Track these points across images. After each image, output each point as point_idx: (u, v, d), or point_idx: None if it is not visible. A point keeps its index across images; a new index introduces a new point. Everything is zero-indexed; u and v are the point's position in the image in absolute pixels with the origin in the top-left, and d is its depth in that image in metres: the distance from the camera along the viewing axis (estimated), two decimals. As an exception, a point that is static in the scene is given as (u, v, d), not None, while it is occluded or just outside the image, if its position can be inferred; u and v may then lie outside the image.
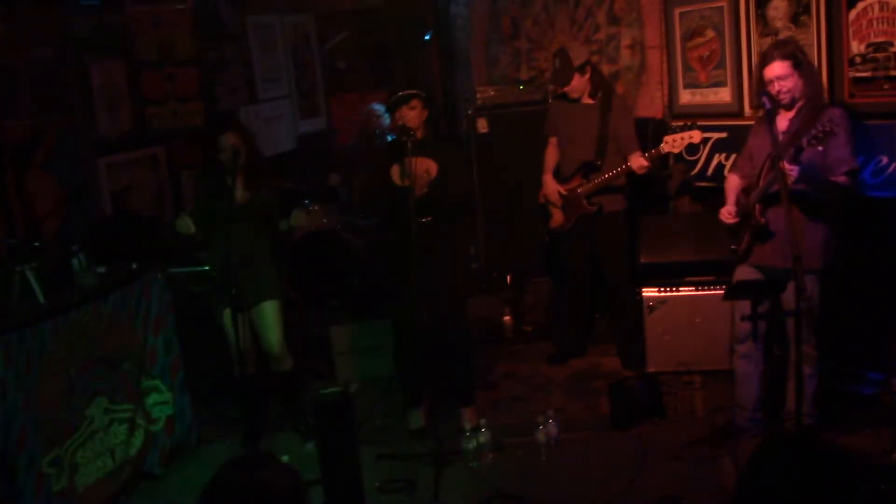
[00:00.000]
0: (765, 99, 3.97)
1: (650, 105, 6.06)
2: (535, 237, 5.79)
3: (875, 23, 4.53)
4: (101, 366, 4.24)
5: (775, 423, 4.31)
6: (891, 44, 4.48)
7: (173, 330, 4.72)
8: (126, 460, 4.36)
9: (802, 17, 4.87)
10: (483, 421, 4.53)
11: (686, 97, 5.77)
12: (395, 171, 4.55)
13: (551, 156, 5.40)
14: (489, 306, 6.22)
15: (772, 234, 4.04)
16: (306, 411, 4.73)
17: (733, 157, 5.11)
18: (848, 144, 3.96)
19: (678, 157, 5.73)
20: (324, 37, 7.92)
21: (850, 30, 4.62)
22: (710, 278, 4.98)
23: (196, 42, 6.37)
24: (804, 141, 3.70)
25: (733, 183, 4.29)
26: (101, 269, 4.47)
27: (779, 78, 3.93)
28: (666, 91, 5.95)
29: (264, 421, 4.90)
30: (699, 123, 4.80)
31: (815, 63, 4.79)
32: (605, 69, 6.26)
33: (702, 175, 5.63)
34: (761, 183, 4.03)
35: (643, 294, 5.17)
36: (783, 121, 4.05)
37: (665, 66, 5.90)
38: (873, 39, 4.54)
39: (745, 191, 4.19)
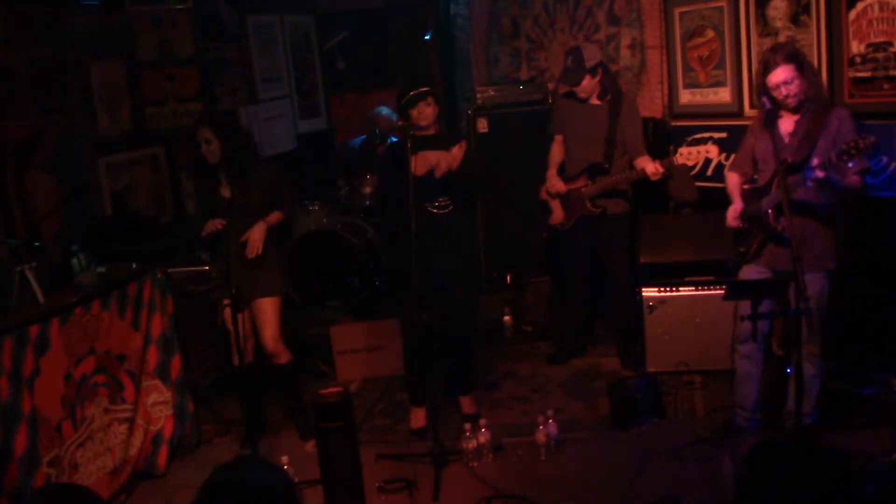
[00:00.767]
0: (764, 99, 3.95)
1: (650, 105, 6.06)
2: (535, 237, 5.79)
3: (875, 23, 4.53)
4: (101, 366, 4.24)
5: (775, 424, 4.31)
6: (891, 44, 4.48)
7: (173, 330, 4.73)
8: (126, 460, 4.36)
9: (802, 17, 4.87)
10: (483, 421, 4.53)
11: (686, 97, 5.78)
12: (414, 164, 4.56)
13: (556, 153, 5.37)
14: (489, 306, 6.22)
15: (788, 239, 4.03)
16: (306, 409, 4.75)
17: (732, 156, 5.11)
18: (854, 131, 3.94)
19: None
20: (324, 37, 7.92)
21: (850, 30, 4.62)
22: (710, 278, 4.98)
23: (196, 42, 6.38)
24: (833, 156, 3.67)
25: (734, 181, 4.28)
26: (101, 269, 4.48)
27: (784, 83, 3.89)
28: (666, 91, 5.95)
29: (263, 415, 4.90)
30: (696, 124, 4.80)
31: (816, 63, 4.80)
32: (606, 69, 6.27)
33: (702, 175, 5.63)
34: (774, 189, 4.02)
35: (643, 294, 5.16)
36: (788, 123, 4.03)
37: (665, 66, 5.90)
38: (873, 39, 4.54)
39: (752, 193, 4.17)
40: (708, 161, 4.83)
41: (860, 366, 4.73)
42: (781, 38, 4.99)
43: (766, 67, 3.96)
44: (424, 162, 4.47)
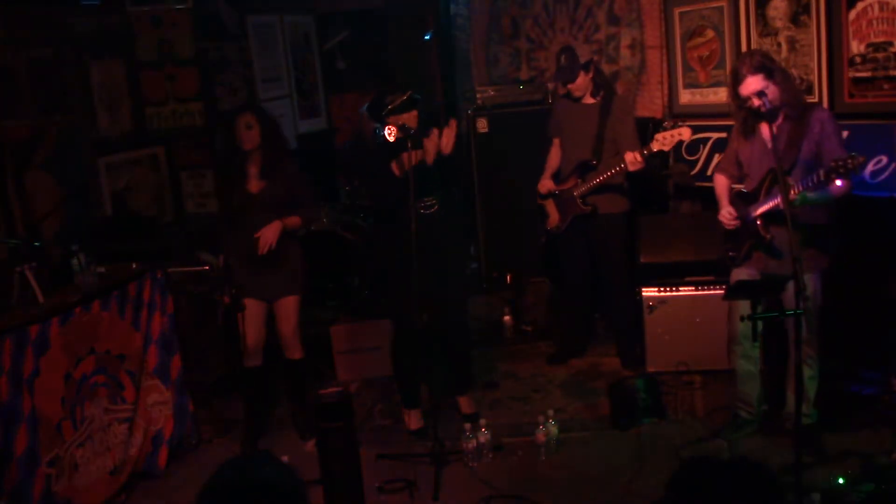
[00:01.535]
0: (760, 101, 3.95)
1: (650, 105, 6.06)
2: (535, 237, 5.79)
3: (875, 23, 4.53)
4: (101, 366, 4.24)
5: (777, 421, 4.31)
6: (890, 44, 4.48)
7: (173, 330, 4.73)
8: (126, 460, 4.36)
9: (802, 17, 4.87)
10: (483, 421, 4.53)
11: (686, 97, 5.78)
12: (394, 166, 4.54)
13: (554, 157, 5.38)
14: (489, 306, 6.22)
15: (777, 248, 4.04)
16: (307, 410, 4.75)
17: (717, 157, 5.13)
18: (841, 144, 3.95)
19: (678, 157, 5.74)
20: (324, 37, 7.92)
21: (850, 30, 4.62)
22: (710, 278, 4.98)
23: (196, 42, 6.37)
24: (822, 173, 3.67)
25: (722, 183, 4.30)
26: (101, 269, 4.48)
27: (756, 93, 3.89)
28: (666, 91, 5.95)
29: (265, 417, 4.90)
30: (696, 123, 4.81)
31: (815, 63, 4.80)
32: (605, 69, 6.26)
33: (702, 175, 5.64)
34: (762, 197, 4.03)
35: (643, 294, 5.16)
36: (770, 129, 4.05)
37: (665, 66, 5.90)
38: (873, 39, 4.54)
39: (740, 197, 4.18)
40: (681, 143, 4.83)
41: (860, 366, 4.73)
42: (781, 39, 4.99)
43: (736, 79, 3.96)
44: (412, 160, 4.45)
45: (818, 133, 3.90)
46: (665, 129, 4.69)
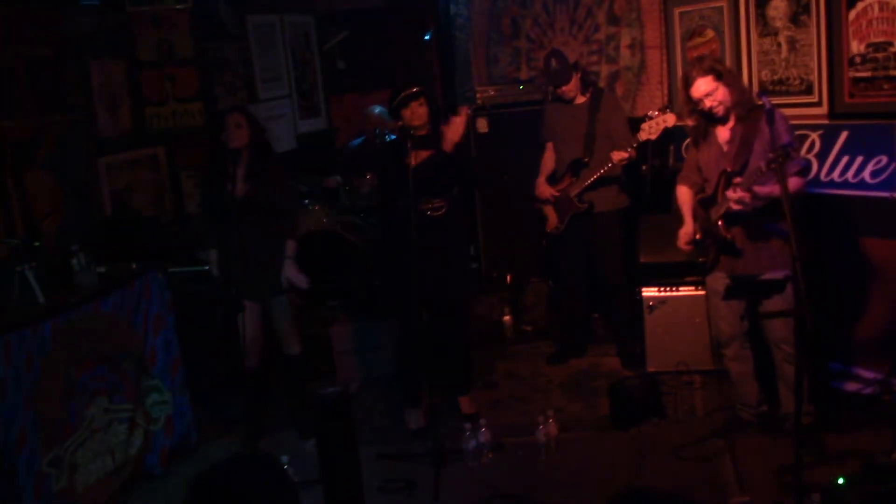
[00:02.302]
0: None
1: (650, 105, 6.05)
2: (535, 237, 5.79)
3: (875, 23, 4.53)
4: (101, 366, 4.24)
5: (777, 421, 4.31)
6: (890, 44, 4.48)
7: (173, 330, 4.72)
8: (126, 460, 4.36)
9: (802, 17, 4.87)
10: (483, 421, 4.53)
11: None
12: (412, 157, 4.55)
13: (548, 160, 5.42)
14: (489, 306, 6.22)
15: (739, 247, 4.07)
16: (307, 407, 4.75)
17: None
18: (788, 131, 3.92)
19: (678, 157, 5.73)
20: (324, 37, 7.92)
21: (850, 30, 4.62)
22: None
23: (196, 42, 6.37)
24: (763, 166, 3.70)
25: (685, 195, 4.34)
26: (101, 269, 4.48)
27: (707, 95, 3.97)
28: (666, 91, 5.95)
29: (265, 417, 4.90)
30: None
31: (815, 63, 4.80)
32: (605, 69, 6.28)
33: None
34: (720, 199, 4.05)
35: (643, 294, 5.17)
36: (724, 132, 4.10)
37: (665, 66, 5.90)
38: (873, 39, 4.54)
39: (701, 203, 4.21)
40: (666, 130, 4.86)
41: (860, 366, 4.74)
42: (781, 39, 4.99)
43: (686, 83, 4.04)
44: (419, 159, 4.46)
45: (769, 132, 3.92)
46: (650, 118, 4.75)
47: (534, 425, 4.44)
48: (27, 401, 3.76)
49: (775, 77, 5.04)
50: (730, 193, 3.86)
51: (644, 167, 5.69)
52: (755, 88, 5.13)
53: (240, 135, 4.53)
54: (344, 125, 7.93)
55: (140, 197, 6.12)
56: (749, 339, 4.31)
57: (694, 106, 4.05)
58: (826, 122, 4.80)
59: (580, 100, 5.23)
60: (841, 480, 3.61)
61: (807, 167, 4.11)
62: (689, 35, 5.63)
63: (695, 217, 4.26)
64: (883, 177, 4.56)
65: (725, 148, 4.08)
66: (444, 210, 4.57)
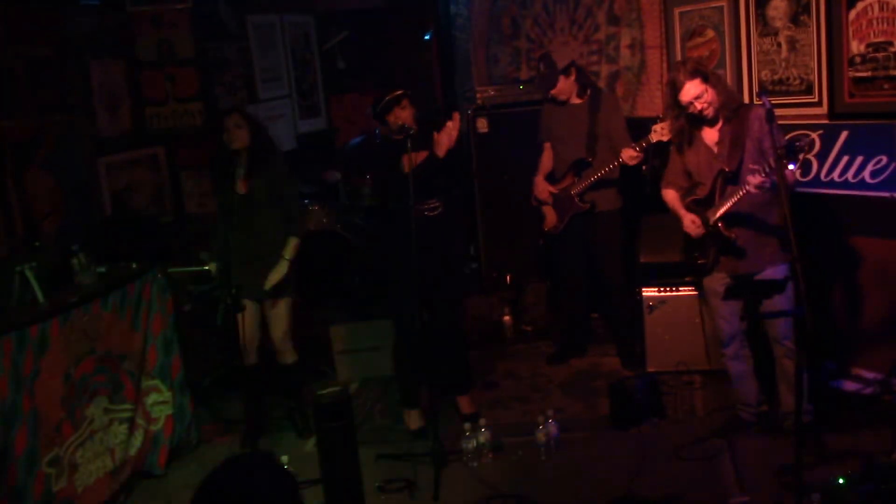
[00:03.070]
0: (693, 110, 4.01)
1: (650, 105, 6.06)
2: (534, 237, 5.79)
3: (875, 23, 4.53)
4: (101, 366, 4.24)
5: (777, 420, 4.31)
6: (890, 44, 4.48)
7: (173, 330, 4.73)
8: (126, 460, 4.36)
9: (802, 17, 4.87)
10: (483, 421, 4.53)
11: (686, 97, 5.76)
12: (405, 161, 4.55)
13: (546, 159, 5.43)
14: (489, 306, 6.22)
15: (741, 246, 4.07)
16: (305, 408, 4.76)
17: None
18: (780, 132, 3.93)
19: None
20: (324, 37, 7.92)
21: (850, 30, 4.62)
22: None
23: (196, 42, 6.37)
24: (772, 160, 3.67)
25: (672, 196, 4.32)
26: (101, 269, 4.48)
27: (696, 98, 3.97)
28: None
29: (264, 416, 4.91)
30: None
31: (815, 63, 4.80)
32: (605, 69, 6.28)
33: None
34: (718, 199, 4.05)
35: (643, 294, 5.17)
36: (712, 133, 4.10)
37: (665, 66, 5.89)
38: (873, 39, 4.54)
39: (696, 204, 4.19)
40: None
41: (860, 366, 4.73)
42: (781, 39, 4.99)
43: (674, 87, 4.03)
44: (415, 160, 4.45)
45: (758, 130, 3.96)
46: (662, 120, 4.75)
47: (534, 425, 4.44)
48: (27, 401, 3.76)
49: (775, 77, 5.04)
50: (750, 178, 3.81)
51: (644, 167, 5.69)
52: (755, 88, 5.13)
53: (240, 135, 4.54)
54: (344, 125, 7.93)
55: (140, 197, 6.12)
56: (748, 338, 4.31)
57: (682, 110, 4.05)
58: (826, 121, 4.80)
59: (578, 100, 5.23)
60: (841, 480, 3.61)
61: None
62: (689, 35, 5.63)
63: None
64: (883, 177, 4.56)
65: (715, 149, 4.08)
66: (440, 210, 4.57)
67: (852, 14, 4.60)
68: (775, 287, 3.95)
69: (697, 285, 4.79)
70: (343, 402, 4.02)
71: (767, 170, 3.72)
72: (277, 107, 7.24)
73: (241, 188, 4.59)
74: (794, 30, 4.92)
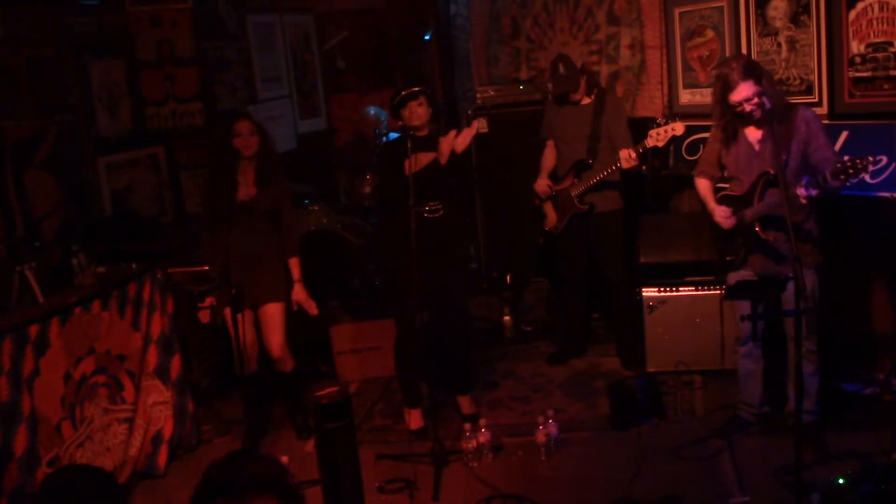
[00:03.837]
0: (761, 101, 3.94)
1: (650, 105, 6.05)
2: (534, 237, 5.79)
3: (875, 23, 4.53)
4: (101, 366, 4.24)
5: (778, 421, 4.31)
6: (890, 44, 4.48)
7: (173, 330, 4.73)
8: (126, 460, 4.36)
9: (802, 17, 4.87)
10: (483, 421, 4.53)
11: (686, 97, 5.77)
12: (406, 164, 4.54)
13: (548, 158, 5.42)
14: (489, 306, 6.21)
15: (779, 250, 4.04)
16: (305, 409, 4.75)
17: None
18: (829, 144, 3.98)
19: (678, 157, 5.73)
20: (324, 37, 7.92)
21: (850, 30, 4.62)
22: (710, 278, 4.97)
23: (196, 42, 6.37)
24: (828, 175, 3.67)
25: (706, 186, 4.32)
26: (101, 269, 4.48)
27: (747, 100, 3.89)
28: (666, 91, 5.94)
29: (265, 420, 4.90)
30: (696, 124, 4.82)
31: (815, 63, 4.80)
32: (605, 69, 6.28)
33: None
34: (756, 201, 4.03)
35: (643, 294, 5.16)
36: (755, 131, 4.06)
37: (665, 66, 5.90)
38: (873, 39, 4.54)
39: (729, 200, 4.17)
40: (675, 139, 4.86)
41: (860, 366, 4.73)
42: (781, 39, 4.99)
43: (725, 84, 3.94)
44: (419, 162, 4.44)
45: (805, 133, 3.93)
46: (659, 125, 4.74)
47: (534, 425, 4.44)
48: (27, 401, 3.76)
49: (775, 77, 5.03)
50: (800, 191, 3.78)
51: (644, 167, 5.69)
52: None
53: (253, 142, 4.53)
54: (344, 125, 7.93)
55: (140, 197, 6.12)
56: (763, 338, 4.29)
57: (731, 108, 3.97)
58: (826, 122, 4.79)
59: (585, 101, 5.22)
60: (841, 480, 3.61)
61: None
62: (690, 35, 5.63)
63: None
64: (883, 177, 4.56)
65: (757, 147, 4.03)
66: (441, 211, 4.56)
67: (852, 14, 4.60)
68: (775, 287, 3.95)
69: (719, 281, 4.76)
70: (343, 402, 4.02)
71: (820, 182, 3.70)
72: (277, 107, 7.24)
73: (242, 195, 4.55)
74: (794, 30, 4.92)
